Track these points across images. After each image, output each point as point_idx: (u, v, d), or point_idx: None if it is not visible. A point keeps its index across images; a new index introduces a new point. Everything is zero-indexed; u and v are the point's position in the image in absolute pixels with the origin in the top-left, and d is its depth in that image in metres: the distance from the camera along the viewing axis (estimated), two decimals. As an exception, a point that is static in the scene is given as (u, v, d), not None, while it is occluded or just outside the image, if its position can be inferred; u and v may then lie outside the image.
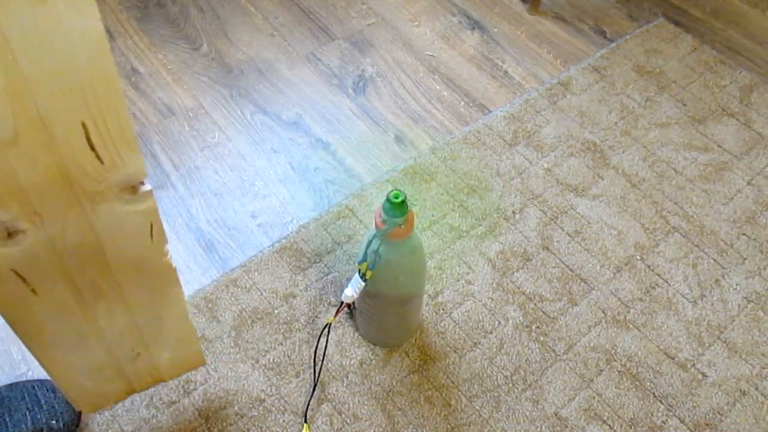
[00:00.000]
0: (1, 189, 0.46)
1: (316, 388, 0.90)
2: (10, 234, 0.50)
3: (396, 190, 0.73)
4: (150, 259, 0.59)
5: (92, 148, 0.48)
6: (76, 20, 0.41)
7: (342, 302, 0.84)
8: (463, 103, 1.27)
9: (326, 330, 0.92)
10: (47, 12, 0.39)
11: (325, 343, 0.93)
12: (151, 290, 0.63)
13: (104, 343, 0.65)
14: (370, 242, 0.77)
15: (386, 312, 0.89)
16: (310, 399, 0.89)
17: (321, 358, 0.92)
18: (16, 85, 0.42)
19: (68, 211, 0.51)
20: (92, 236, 0.54)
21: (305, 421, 0.87)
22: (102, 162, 0.49)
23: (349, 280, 0.82)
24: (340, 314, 0.86)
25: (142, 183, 0.53)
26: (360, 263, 0.79)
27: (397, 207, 0.73)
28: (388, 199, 0.73)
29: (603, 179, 1.15)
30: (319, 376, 0.91)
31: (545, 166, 1.16)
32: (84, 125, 0.46)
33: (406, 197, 0.73)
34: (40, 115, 0.44)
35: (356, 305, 0.90)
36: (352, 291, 0.82)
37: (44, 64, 0.42)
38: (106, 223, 0.54)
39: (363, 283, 0.80)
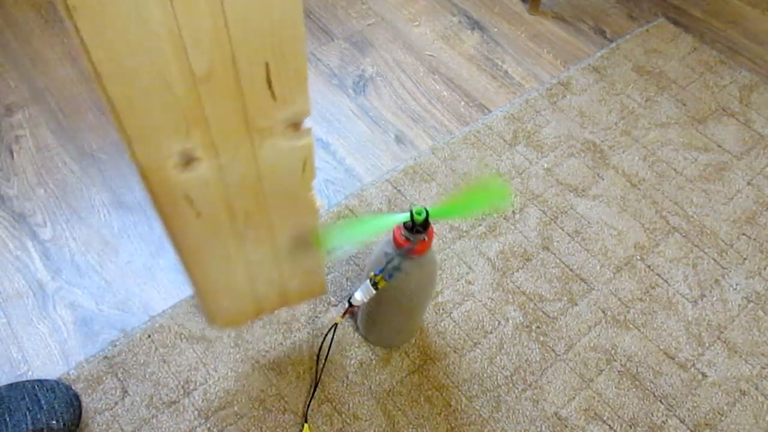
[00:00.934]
0: (189, 120, 0.51)
1: (317, 388, 0.90)
2: (189, 161, 0.54)
3: (419, 206, 0.72)
4: (298, 193, 0.64)
5: (270, 86, 0.51)
6: None
7: (350, 304, 0.83)
8: (463, 103, 1.27)
9: (332, 330, 0.92)
10: None
11: (329, 344, 0.93)
12: (295, 222, 0.67)
13: (248, 267, 0.70)
14: (390, 258, 0.76)
15: (391, 317, 0.88)
16: (310, 399, 0.89)
17: (322, 357, 0.92)
18: (219, 27, 0.45)
19: (240, 144, 0.55)
20: (255, 168, 0.58)
21: (305, 421, 0.87)
22: (275, 99, 0.53)
23: (352, 282, 0.82)
24: (346, 316, 0.86)
25: (305, 121, 0.56)
26: (375, 274, 0.79)
27: (421, 224, 0.73)
28: (411, 217, 0.72)
29: (603, 179, 1.15)
30: (319, 376, 0.91)
31: (545, 166, 1.16)
32: (267, 65, 0.50)
33: (428, 213, 0.72)
34: (234, 55, 0.48)
35: (359, 307, 0.90)
36: (361, 296, 0.82)
37: (245, 8, 0.45)
38: (269, 156, 0.58)
39: (374, 291, 0.80)
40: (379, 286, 0.79)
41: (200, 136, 0.53)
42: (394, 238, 0.75)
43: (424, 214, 0.72)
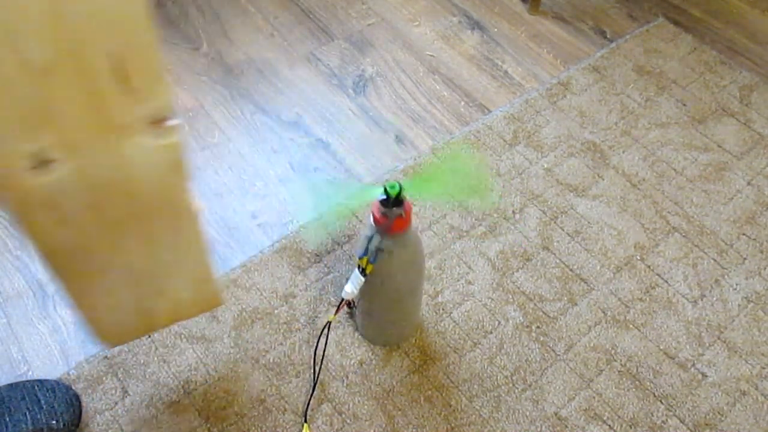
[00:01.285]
0: (36, 118, 0.47)
1: (316, 387, 0.90)
2: (43, 163, 0.51)
3: (392, 181, 0.73)
4: (174, 196, 0.60)
5: (123, 80, 0.48)
6: None
7: (342, 299, 0.84)
8: (463, 103, 1.27)
9: (326, 329, 0.92)
10: None
11: (325, 343, 0.93)
12: (175, 229, 0.63)
13: (129, 278, 0.66)
14: (370, 239, 0.77)
15: (385, 309, 0.89)
16: (310, 399, 0.89)
17: (321, 357, 0.92)
18: (54, 15, 0.43)
19: (98, 143, 0.52)
20: (120, 169, 0.55)
21: (305, 421, 0.87)
22: (132, 94, 0.49)
23: (348, 277, 0.82)
24: (340, 312, 0.86)
25: (171, 118, 0.53)
26: (360, 258, 0.79)
27: (395, 197, 0.73)
28: (385, 191, 0.73)
29: (603, 179, 1.15)
30: (318, 375, 0.91)
31: (545, 166, 1.16)
32: (116, 57, 0.47)
33: (401, 187, 0.73)
34: (76, 45, 0.45)
35: (356, 304, 0.90)
36: (352, 287, 0.82)
37: None
38: (134, 156, 0.54)
39: (363, 279, 0.80)
40: (366, 271, 0.79)
41: (52, 135, 0.49)
42: (373, 217, 0.76)
43: (397, 188, 0.72)
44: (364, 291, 0.83)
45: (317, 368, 0.91)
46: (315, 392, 0.90)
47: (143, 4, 0.46)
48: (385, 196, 0.73)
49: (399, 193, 0.73)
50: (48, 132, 0.49)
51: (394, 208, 0.74)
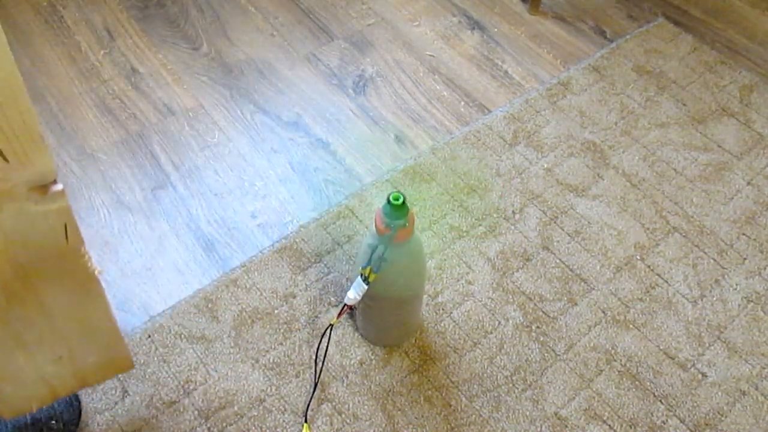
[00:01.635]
0: None
1: (317, 388, 0.90)
2: None
3: (395, 191, 0.73)
4: (67, 262, 0.58)
5: None
6: None
7: (345, 304, 0.84)
8: (463, 103, 1.27)
9: (328, 331, 0.92)
10: None
11: (326, 344, 0.93)
12: (71, 293, 0.61)
13: (23, 349, 0.63)
14: (374, 248, 0.77)
15: (386, 312, 0.89)
16: (311, 399, 0.89)
17: (322, 358, 0.92)
18: None
19: None
20: (1, 237, 0.53)
21: (305, 421, 0.87)
22: (6, 160, 0.48)
23: (351, 282, 0.82)
24: (342, 316, 0.86)
25: (54, 182, 0.51)
26: (363, 267, 0.79)
27: (399, 208, 0.73)
28: (388, 202, 0.73)
29: (603, 179, 1.15)
30: (319, 376, 0.91)
31: (545, 166, 1.16)
32: None
33: (405, 198, 0.73)
34: None
35: (357, 305, 0.90)
36: (354, 294, 0.82)
37: None
38: (16, 224, 0.52)
39: (366, 286, 0.80)
40: (369, 280, 0.79)
41: None
42: (376, 227, 0.75)
43: (401, 199, 0.72)
44: (366, 295, 0.83)
45: (318, 369, 0.91)
46: (314, 393, 0.90)
47: (13, 69, 0.44)
48: (388, 206, 0.73)
49: (403, 204, 0.73)
50: None
51: (398, 219, 0.74)
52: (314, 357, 0.92)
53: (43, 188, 0.51)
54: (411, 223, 0.76)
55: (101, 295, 0.64)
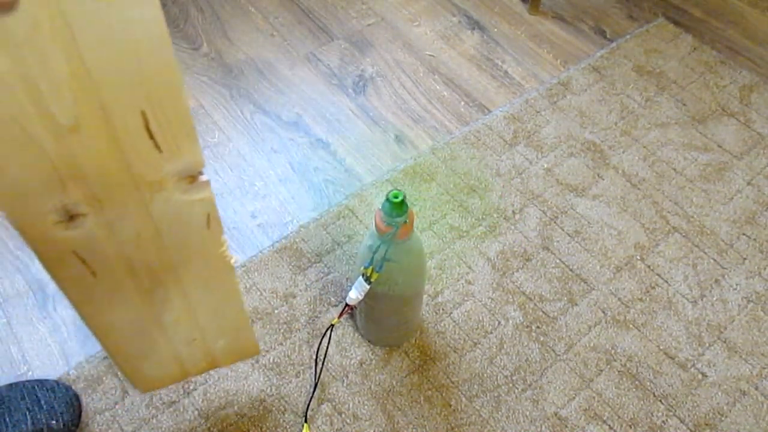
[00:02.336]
0: (63, 173, 0.48)
1: (317, 388, 0.90)
2: (72, 217, 0.51)
3: (394, 189, 0.73)
4: (207, 249, 0.61)
5: (151, 137, 0.49)
6: (138, 9, 0.42)
7: (346, 304, 0.84)
8: (463, 103, 1.27)
9: (329, 331, 0.92)
10: (110, 0, 0.41)
11: (327, 345, 0.93)
12: (208, 280, 0.64)
13: (161, 329, 0.67)
14: (376, 248, 0.77)
15: (386, 312, 0.88)
16: (311, 399, 0.89)
17: (322, 359, 0.92)
18: (78, 73, 0.43)
19: (127, 198, 0.52)
20: (150, 224, 0.55)
21: (305, 421, 0.87)
22: (161, 151, 0.50)
23: (352, 282, 0.82)
24: (343, 316, 0.86)
25: (201, 173, 0.54)
26: (365, 267, 0.79)
27: (399, 206, 0.73)
28: (388, 200, 0.73)
29: (603, 179, 1.15)
30: (319, 376, 0.91)
31: (545, 166, 1.16)
32: (144, 114, 0.47)
33: (405, 195, 0.73)
34: (102, 103, 0.45)
35: (358, 307, 0.90)
36: (356, 294, 0.82)
37: (106, 53, 0.43)
38: (164, 212, 0.55)
39: (368, 286, 0.80)
40: (371, 279, 0.79)
41: (80, 190, 0.50)
42: (377, 226, 0.75)
43: (401, 197, 0.72)
44: (366, 295, 0.83)
45: (318, 370, 0.91)
46: (315, 393, 0.90)
47: (172, 62, 0.46)
48: (387, 204, 0.73)
49: (402, 202, 0.73)
50: (76, 188, 0.49)
51: (398, 217, 0.74)
52: (314, 357, 0.92)
53: (191, 178, 0.53)
54: (411, 220, 0.76)
55: (235, 283, 0.66)
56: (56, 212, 0.50)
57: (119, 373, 0.70)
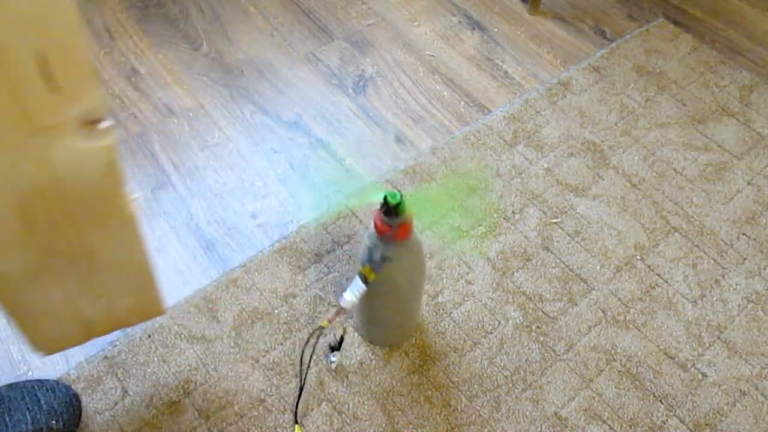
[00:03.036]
0: None
1: (302, 391, 0.90)
2: None
3: (391, 191, 0.73)
4: (110, 200, 0.58)
5: (49, 77, 0.46)
6: None
7: (341, 307, 0.82)
8: (463, 103, 1.27)
9: (317, 333, 0.90)
10: None
11: (313, 348, 0.91)
12: (111, 233, 0.61)
13: (62, 284, 0.64)
14: (372, 249, 0.76)
15: (386, 312, 0.89)
16: (298, 402, 0.88)
17: (308, 363, 0.91)
18: None
19: (24, 143, 0.50)
20: (49, 170, 0.53)
21: (296, 422, 0.87)
22: (59, 93, 0.48)
23: (348, 282, 0.81)
24: (334, 321, 0.84)
25: (103, 119, 0.51)
26: (362, 266, 0.79)
27: (396, 208, 0.73)
28: (385, 200, 0.72)
29: (603, 179, 1.15)
30: (304, 380, 0.89)
31: (545, 166, 1.16)
32: (40, 53, 0.45)
33: (402, 196, 0.73)
34: None
35: (355, 309, 0.90)
36: (351, 296, 0.80)
37: None
38: (64, 159, 0.52)
39: (365, 287, 0.80)
40: (369, 280, 0.79)
41: None
42: (376, 226, 0.75)
43: (398, 198, 0.72)
44: (365, 296, 0.83)
45: (304, 374, 0.89)
46: (309, 396, 0.90)
47: (72, 7, 0.44)
48: (386, 206, 0.73)
49: (400, 203, 0.72)
50: None
51: (397, 218, 0.73)
52: (314, 357, 0.92)
53: (92, 124, 0.51)
54: (410, 222, 0.76)
55: (140, 238, 0.64)
56: None
57: (26, 337, 0.68)
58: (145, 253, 0.66)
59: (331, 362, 0.90)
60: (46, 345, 0.71)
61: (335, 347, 0.90)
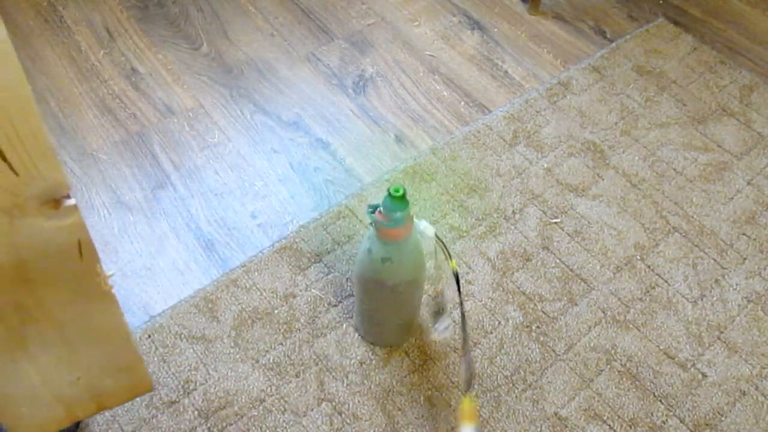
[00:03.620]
0: None
1: (464, 320, 0.89)
2: None
3: (395, 185, 0.73)
4: (82, 279, 0.56)
5: (4, 159, 0.46)
6: None
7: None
8: (463, 103, 1.27)
9: (457, 277, 0.86)
10: None
11: (459, 290, 0.86)
12: (86, 313, 0.59)
13: (38, 369, 0.62)
14: (373, 252, 0.76)
15: (386, 312, 0.89)
16: (465, 337, 0.81)
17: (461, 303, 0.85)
18: None
19: None
20: (13, 254, 0.51)
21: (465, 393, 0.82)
22: (17, 174, 0.47)
23: (352, 282, 0.80)
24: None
25: (67, 197, 0.50)
26: (371, 208, 0.76)
27: (400, 200, 0.73)
28: (389, 195, 0.72)
29: (603, 179, 1.15)
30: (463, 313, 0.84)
31: (545, 166, 1.16)
32: None
33: (405, 190, 0.73)
34: None
35: (356, 305, 0.90)
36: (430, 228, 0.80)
37: None
38: (28, 240, 0.51)
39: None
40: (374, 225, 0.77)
41: None
42: (378, 228, 0.75)
43: (401, 191, 0.72)
44: (364, 294, 0.83)
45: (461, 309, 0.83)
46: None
47: (20, 79, 0.43)
48: (387, 204, 0.73)
49: (403, 196, 0.73)
50: None
51: (398, 213, 0.73)
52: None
53: (55, 202, 0.50)
54: (410, 221, 0.76)
55: (118, 315, 0.62)
56: None
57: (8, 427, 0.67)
58: (126, 330, 0.64)
59: (442, 330, 0.86)
60: (27, 430, 0.69)
61: (441, 310, 0.86)
